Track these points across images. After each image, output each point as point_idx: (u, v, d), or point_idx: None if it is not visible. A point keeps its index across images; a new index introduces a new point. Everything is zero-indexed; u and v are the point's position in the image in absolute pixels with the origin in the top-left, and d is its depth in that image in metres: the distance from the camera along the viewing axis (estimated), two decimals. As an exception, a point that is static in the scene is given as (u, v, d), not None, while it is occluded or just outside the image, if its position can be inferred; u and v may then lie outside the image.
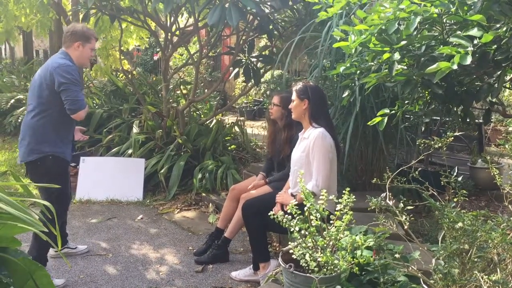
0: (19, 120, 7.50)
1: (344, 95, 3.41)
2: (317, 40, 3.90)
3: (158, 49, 12.61)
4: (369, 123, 2.76)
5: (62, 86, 3.09)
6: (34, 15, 8.24)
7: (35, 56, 16.23)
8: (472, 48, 1.91)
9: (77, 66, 3.27)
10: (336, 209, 2.23)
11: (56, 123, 3.20)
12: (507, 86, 2.78)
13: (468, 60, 1.86)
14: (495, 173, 2.30)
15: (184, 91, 7.22)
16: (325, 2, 2.85)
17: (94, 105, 7.04)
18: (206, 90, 8.23)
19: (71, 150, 3.40)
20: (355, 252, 2.17)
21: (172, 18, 5.88)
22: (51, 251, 3.64)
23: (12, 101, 8.41)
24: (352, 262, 2.06)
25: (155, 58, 14.64)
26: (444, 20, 2.22)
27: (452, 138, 2.41)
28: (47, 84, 3.14)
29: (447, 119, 4.67)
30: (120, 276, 3.45)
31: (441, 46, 2.11)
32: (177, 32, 6.06)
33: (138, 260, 3.74)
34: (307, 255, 2.11)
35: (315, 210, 2.18)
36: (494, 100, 2.81)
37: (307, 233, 2.16)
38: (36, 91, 3.20)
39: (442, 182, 2.33)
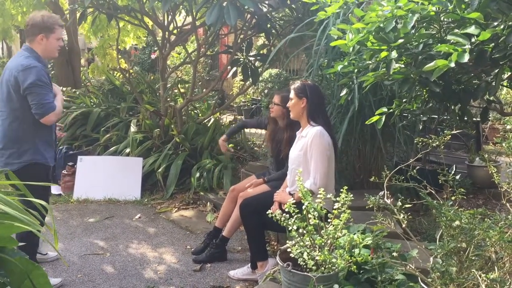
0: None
1: (342, 94, 3.41)
2: (313, 39, 3.90)
3: (156, 48, 12.60)
4: (367, 122, 2.76)
5: (27, 90, 2.92)
6: (31, 12, 8.20)
7: (32, 55, 16.19)
8: (469, 46, 1.90)
9: (44, 60, 3.09)
10: (334, 207, 2.23)
11: (35, 127, 3.02)
12: (505, 84, 2.79)
13: (466, 58, 1.86)
14: (493, 171, 2.30)
15: (182, 90, 7.21)
16: (323, 2, 2.85)
17: (92, 104, 7.02)
18: (204, 89, 8.23)
19: (54, 153, 3.23)
20: (353, 250, 2.17)
21: (170, 17, 5.87)
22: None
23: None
24: (350, 260, 2.06)
25: (153, 56, 14.62)
26: (442, 18, 2.22)
27: (450, 136, 2.41)
28: (14, 89, 2.96)
29: (445, 117, 4.67)
30: (118, 275, 3.45)
31: (439, 44, 2.10)
32: (175, 31, 6.05)
33: (136, 259, 3.74)
34: (305, 253, 2.10)
35: (313, 209, 2.18)
36: (491, 98, 2.81)
37: (305, 231, 2.16)
38: (5, 98, 3.02)
39: (440, 181, 2.33)
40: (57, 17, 3.16)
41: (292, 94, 3.12)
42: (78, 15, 5.72)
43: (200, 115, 6.83)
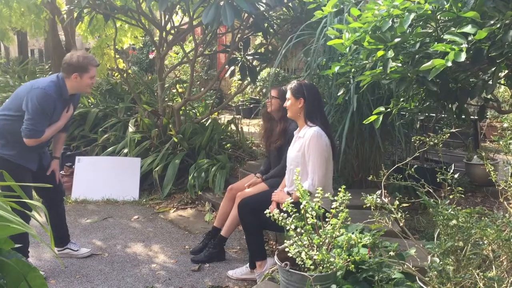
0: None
1: (339, 93, 3.41)
2: (313, 39, 3.89)
3: (153, 48, 12.59)
4: (365, 121, 2.76)
5: (26, 108, 3.10)
6: (27, 15, 8.17)
7: (30, 55, 16.15)
8: (466, 45, 1.90)
9: (66, 93, 3.24)
10: (332, 207, 2.23)
11: (9, 129, 3.17)
12: (502, 82, 2.78)
13: (463, 57, 1.86)
14: (490, 169, 2.30)
15: (180, 90, 7.20)
16: (320, 0, 2.85)
17: (90, 104, 7.01)
18: (202, 89, 8.22)
19: (35, 159, 3.33)
20: (351, 250, 2.17)
21: (167, 17, 5.86)
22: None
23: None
24: (348, 260, 2.06)
25: (151, 56, 14.59)
26: (438, 17, 2.22)
27: (448, 134, 2.41)
28: (21, 98, 3.14)
29: (443, 115, 4.67)
30: (116, 276, 3.45)
31: (436, 43, 2.10)
32: (172, 31, 6.04)
33: (134, 259, 3.73)
34: (303, 253, 2.10)
35: (310, 208, 2.18)
36: (489, 96, 2.81)
37: (303, 231, 2.15)
38: (14, 97, 3.22)
39: (438, 179, 2.33)
40: (91, 57, 3.33)
41: (288, 94, 3.11)
42: (75, 15, 5.72)
43: (198, 114, 6.82)
